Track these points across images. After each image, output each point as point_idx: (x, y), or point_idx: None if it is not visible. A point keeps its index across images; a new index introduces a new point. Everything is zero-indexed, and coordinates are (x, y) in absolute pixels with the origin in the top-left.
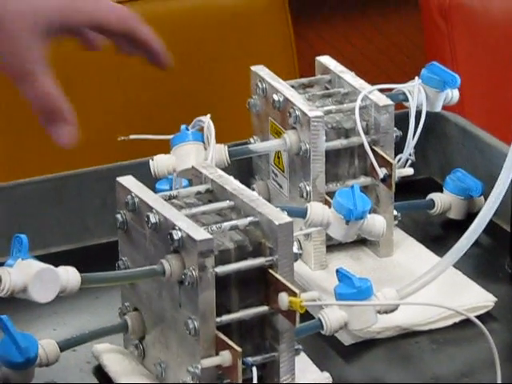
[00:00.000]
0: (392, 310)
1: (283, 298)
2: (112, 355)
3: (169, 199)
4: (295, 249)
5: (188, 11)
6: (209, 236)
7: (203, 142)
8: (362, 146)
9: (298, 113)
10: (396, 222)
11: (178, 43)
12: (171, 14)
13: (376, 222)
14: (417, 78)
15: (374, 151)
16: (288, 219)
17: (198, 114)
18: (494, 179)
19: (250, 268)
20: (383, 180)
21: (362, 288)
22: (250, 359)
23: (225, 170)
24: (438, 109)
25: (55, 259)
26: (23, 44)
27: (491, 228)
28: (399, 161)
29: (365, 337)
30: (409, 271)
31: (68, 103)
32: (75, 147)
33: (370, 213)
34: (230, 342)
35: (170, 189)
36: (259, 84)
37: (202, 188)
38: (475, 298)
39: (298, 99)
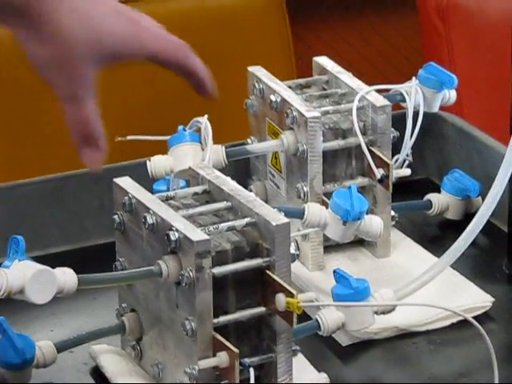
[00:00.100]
0: (389, 311)
1: (280, 299)
2: (109, 356)
3: (166, 200)
4: (292, 250)
5: (186, 12)
6: (206, 237)
7: (200, 142)
8: (359, 146)
9: (295, 113)
10: (393, 223)
11: None
12: (169, 14)
13: (373, 223)
14: (414, 78)
15: (371, 152)
16: (285, 220)
17: (195, 115)
18: (491, 180)
19: (247, 269)
20: (380, 180)
21: (359, 289)
22: (247, 360)
23: (222, 170)
24: (436, 109)
25: (53, 260)
26: (81, 70)
27: (489, 228)
28: (396, 161)
29: (362, 337)
30: (406, 272)
31: (104, 130)
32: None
33: (367, 213)
34: (228, 343)
35: (168, 190)
36: (256, 85)
37: (199, 189)
38: (473, 298)
39: (295, 100)
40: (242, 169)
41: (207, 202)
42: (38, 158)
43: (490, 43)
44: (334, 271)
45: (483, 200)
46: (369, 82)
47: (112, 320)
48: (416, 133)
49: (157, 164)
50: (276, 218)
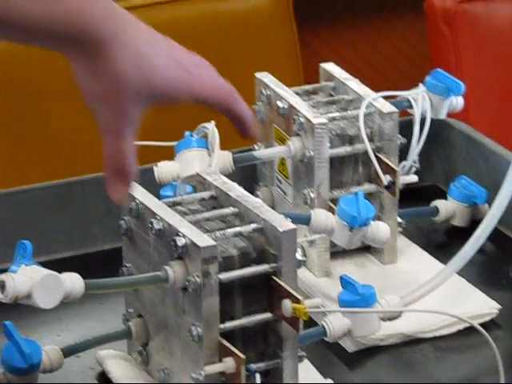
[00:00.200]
0: (395, 317)
1: (287, 305)
2: (115, 361)
3: (173, 206)
4: (299, 255)
5: (193, 18)
6: (212, 243)
7: (207, 148)
8: (366, 152)
9: (302, 120)
10: (400, 229)
11: None
12: (176, 20)
13: (380, 229)
14: (421, 85)
15: (378, 158)
16: (292, 226)
17: (202, 121)
18: (498, 186)
19: (254, 275)
20: (387, 187)
21: (365, 295)
22: (253, 366)
23: (229, 176)
24: (443, 116)
25: (59, 265)
26: (128, 108)
27: (495, 235)
28: (403, 168)
29: (368, 344)
30: (413, 278)
31: (136, 167)
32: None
33: (373, 220)
34: (234, 349)
35: (174, 195)
36: (263, 91)
37: (205, 194)
38: (479, 305)
39: (302, 106)
40: (248, 175)
41: (214, 208)
42: (45, 163)
43: (498, 49)
44: (341, 277)
45: (490, 207)
46: (376, 89)
47: (118, 325)
48: (423, 139)
49: (163, 170)
50: (283, 224)
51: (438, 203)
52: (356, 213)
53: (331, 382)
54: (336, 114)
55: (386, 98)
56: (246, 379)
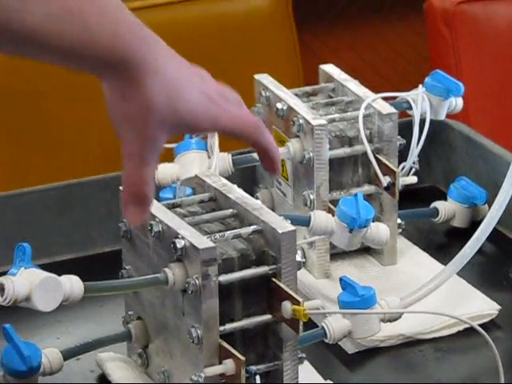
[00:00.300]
0: (396, 319)
1: (286, 307)
2: (115, 364)
3: (172, 208)
4: (298, 257)
5: (192, 19)
6: (212, 244)
7: (207, 150)
8: (365, 154)
9: (301, 121)
10: (400, 231)
11: (182, 51)
12: (175, 22)
13: (380, 231)
14: (420, 86)
15: (377, 159)
16: (291, 228)
17: None
18: (498, 187)
19: (254, 276)
20: (387, 188)
21: (365, 296)
22: (253, 368)
23: (229, 178)
24: (442, 117)
25: (59, 268)
26: (154, 135)
27: (495, 236)
28: (403, 169)
29: (368, 345)
30: (413, 279)
31: (153, 194)
32: (78, 156)
33: (373, 221)
34: (234, 351)
35: (174, 197)
36: (263, 92)
37: (205, 196)
38: (479, 306)
39: (301, 108)
40: (248, 176)
41: (213, 210)
42: (45, 165)
43: (498, 51)
44: (341, 279)
45: (490, 208)
46: (375, 90)
47: (118, 328)
48: (422, 140)
49: (163, 172)
50: (282, 225)
51: (438, 204)
52: (356, 214)
53: (331, 383)
54: (335, 116)
55: (385, 99)
56: (246, 381)
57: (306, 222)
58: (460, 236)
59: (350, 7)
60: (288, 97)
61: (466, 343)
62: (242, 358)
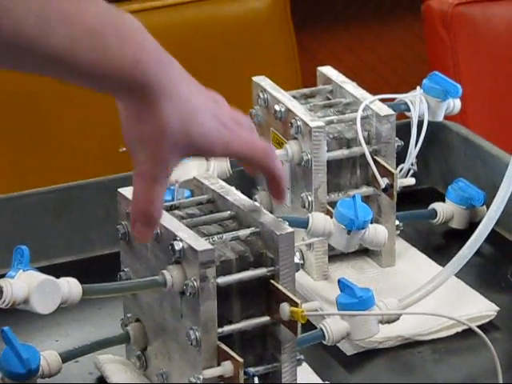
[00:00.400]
0: (394, 320)
1: (284, 308)
2: (114, 366)
3: (170, 210)
4: (296, 259)
5: (191, 22)
6: (210, 246)
7: None
8: (363, 155)
9: (299, 123)
10: (398, 232)
11: (181, 53)
12: (174, 24)
13: (378, 232)
14: (418, 87)
15: (375, 161)
16: (289, 229)
17: None
18: (496, 189)
19: (252, 278)
20: (385, 190)
21: (363, 298)
22: (251, 369)
23: (227, 180)
24: (440, 118)
25: (57, 270)
26: (166, 157)
27: (493, 237)
28: (401, 171)
29: (367, 347)
30: (411, 281)
31: (161, 213)
32: (77, 158)
33: (371, 223)
34: (232, 353)
35: (172, 199)
36: (261, 94)
37: (203, 199)
38: (477, 307)
39: (299, 109)
40: (246, 178)
41: (211, 212)
42: (43, 168)
43: (496, 52)
44: (339, 280)
45: (488, 209)
46: (374, 92)
47: (117, 330)
48: (420, 142)
49: None
50: (280, 227)
51: (436, 206)
52: (354, 216)
53: None
54: (333, 117)
55: (383, 100)
56: (245, 383)
57: (304, 224)
58: (458, 237)
59: (348, 9)
60: (286, 99)
61: (464, 344)
62: (241, 359)
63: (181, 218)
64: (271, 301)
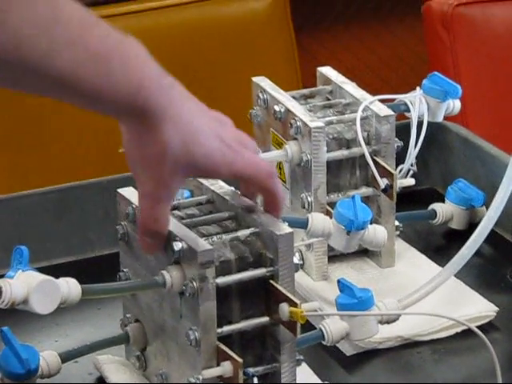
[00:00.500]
0: (393, 320)
1: (284, 309)
2: (114, 366)
3: (170, 210)
4: (296, 259)
5: (190, 22)
6: (209, 247)
7: None
8: (363, 156)
9: (299, 123)
10: (398, 233)
11: (180, 54)
12: (173, 24)
13: (377, 233)
14: (418, 88)
15: (375, 162)
16: (288, 230)
17: None
18: (495, 189)
19: (251, 279)
20: (384, 190)
21: (363, 298)
22: (251, 370)
23: (226, 180)
24: (440, 119)
25: (57, 271)
26: (169, 177)
27: (493, 238)
28: (401, 171)
29: (366, 347)
30: (410, 281)
31: (166, 228)
32: (77, 159)
33: (371, 223)
34: (231, 353)
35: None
36: (260, 95)
37: (202, 199)
38: (477, 307)
39: (299, 110)
40: None
41: (211, 212)
42: (43, 168)
43: (496, 53)
44: (338, 281)
45: (487, 210)
46: (374, 92)
47: (116, 330)
48: (420, 143)
49: None
50: (279, 227)
51: (436, 206)
52: (353, 216)
53: None
54: (333, 118)
55: (383, 101)
56: (244, 383)
57: (303, 225)
58: (458, 238)
59: (348, 9)
60: (285, 99)
61: (463, 345)
62: (240, 360)
63: (180, 219)
64: (271, 301)
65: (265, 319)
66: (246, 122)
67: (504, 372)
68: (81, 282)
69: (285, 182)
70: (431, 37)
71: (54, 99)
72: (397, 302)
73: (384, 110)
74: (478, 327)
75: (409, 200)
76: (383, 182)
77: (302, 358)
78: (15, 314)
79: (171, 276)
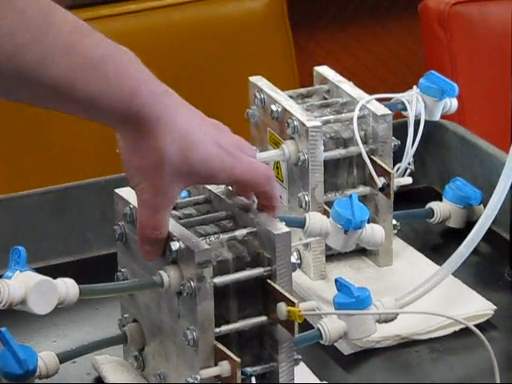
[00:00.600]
0: (391, 319)
1: (281, 308)
2: (112, 366)
3: None
4: (293, 259)
5: (188, 22)
6: (206, 247)
7: None
8: (360, 155)
9: (296, 123)
10: (395, 231)
11: (177, 54)
12: (171, 24)
13: (375, 232)
14: (415, 87)
15: (372, 161)
16: (286, 229)
17: None
18: (493, 188)
19: (249, 278)
20: (382, 189)
21: (360, 297)
22: (249, 369)
23: None
24: (437, 118)
25: (55, 271)
26: (167, 185)
27: (490, 236)
28: (398, 170)
29: (364, 346)
30: (408, 280)
31: (165, 235)
32: (74, 159)
33: (368, 222)
34: (229, 353)
35: None
36: (257, 94)
37: (200, 199)
38: (475, 306)
39: (296, 109)
40: None
41: (208, 212)
42: (40, 169)
43: (492, 52)
44: (336, 280)
45: (485, 208)
46: (372, 91)
47: (114, 330)
48: (417, 141)
49: None
50: (277, 227)
51: (433, 205)
52: (350, 215)
53: None
54: (330, 117)
55: (380, 100)
56: (242, 382)
57: (301, 224)
58: (455, 236)
59: (345, 9)
60: (282, 99)
61: (461, 344)
62: (238, 359)
63: (178, 219)
64: (268, 300)
65: (262, 319)
66: (243, 121)
67: (502, 370)
68: (78, 282)
69: (282, 181)
70: (428, 35)
71: (47, 109)
72: (394, 300)
73: (381, 109)
74: (476, 326)
75: (406, 199)
76: (380, 181)
77: (299, 357)
78: (13, 315)
79: (169, 276)
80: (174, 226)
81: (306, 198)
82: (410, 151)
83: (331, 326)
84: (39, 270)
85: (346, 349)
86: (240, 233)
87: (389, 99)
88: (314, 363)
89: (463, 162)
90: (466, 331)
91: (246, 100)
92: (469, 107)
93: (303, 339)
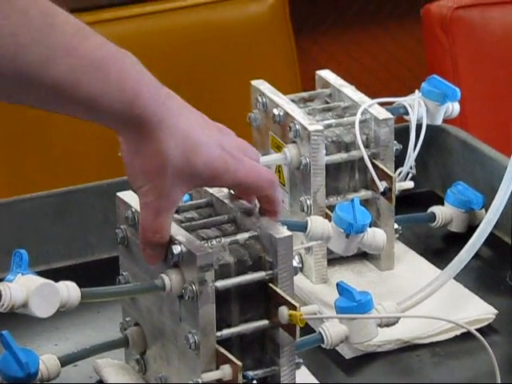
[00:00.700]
0: (393, 323)
1: (283, 312)
2: (113, 370)
3: None
4: (295, 262)
5: (190, 26)
6: (208, 250)
7: None
8: (362, 159)
9: (298, 127)
10: (397, 236)
11: (180, 57)
12: (174, 28)
13: (376, 236)
14: (417, 91)
15: (374, 165)
16: (288, 233)
17: None
18: (494, 192)
19: (250, 282)
20: (383, 193)
21: (362, 301)
22: (250, 373)
23: None
24: (439, 122)
25: (56, 275)
26: (169, 188)
27: (492, 240)
28: (400, 174)
29: (366, 350)
30: (410, 284)
31: (167, 239)
32: (76, 162)
33: (370, 226)
34: (231, 356)
35: None
36: (259, 98)
37: (202, 202)
38: (476, 310)
39: (298, 113)
40: None
41: (210, 216)
42: (42, 172)
43: (494, 55)
44: (337, 284)
45: (487, 212)
46: (374, 95)
47: (116, 334)
48: (419, 145)
49: None
50: (279, 231)
51: (435, 209)
52: (352, 219)
53: None
54: (332, 121)
55: (381, 104)
56: None
57: (302, 228)
58: (457, 241)
59: (348, 13)
60: (284, 102)
61: (463, 348)
62: (239, 363)
63: (179, 222)
64: (270, 304)
65: (264, 322)
66: (244, 125)
67: (503, 375)
68: (80, 285)
69: (284, 185)
70: (430, 40)
71: (49, 112)
72: (396, 304)
73: (383, 113)
74: (478, 330)
75: (408, 203)
76: (382, 185)
77: (301, 361)
78: (15, 318)
79: (170, 279)
80: (175, 230)
81: (308, 202)
82: (411, 155)
83: (333, 329)
84: (41, 273)
85: (347, 353)
86: (242, 236)
87: (391, 103)
88: (316, 367)
89: (465, 166)
90: (467, 335)
91: (248, 104)
92: (471, 111)
93: (305, 343)
